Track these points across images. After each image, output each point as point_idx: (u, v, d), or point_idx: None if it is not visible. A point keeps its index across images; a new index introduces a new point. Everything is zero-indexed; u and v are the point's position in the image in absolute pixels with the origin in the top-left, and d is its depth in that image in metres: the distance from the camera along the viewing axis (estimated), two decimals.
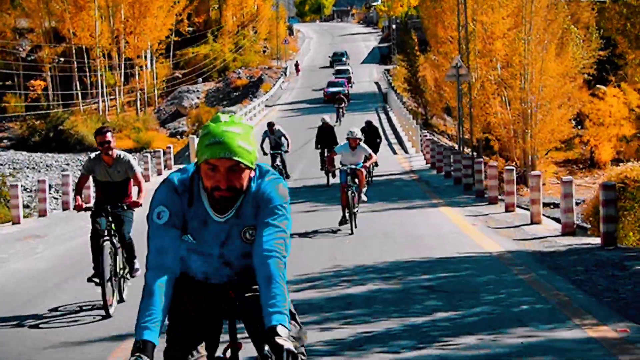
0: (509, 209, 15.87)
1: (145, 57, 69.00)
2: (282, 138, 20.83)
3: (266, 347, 3.12)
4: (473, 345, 6.47)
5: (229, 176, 3.30)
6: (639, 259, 9.95)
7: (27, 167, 46.77)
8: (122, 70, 67.56)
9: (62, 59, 75.55)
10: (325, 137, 21.79)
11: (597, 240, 11.38)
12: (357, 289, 8.77)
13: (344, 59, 76.02)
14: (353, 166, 13.75)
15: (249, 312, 3.56)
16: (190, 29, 79.18)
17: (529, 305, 7.79)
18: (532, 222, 13.79)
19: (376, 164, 21.63)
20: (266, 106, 54.01)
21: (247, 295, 3.61)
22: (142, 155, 35.37)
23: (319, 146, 22.25)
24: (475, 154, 26.02)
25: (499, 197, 17.36)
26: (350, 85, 58.49)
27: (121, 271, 8.44)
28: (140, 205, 8.31)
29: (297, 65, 75.94)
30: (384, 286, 8.91)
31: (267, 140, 21.07)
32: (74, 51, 70.88)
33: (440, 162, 25.25)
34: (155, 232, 3.41)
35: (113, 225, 8.36)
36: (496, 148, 42.28)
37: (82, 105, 70.14)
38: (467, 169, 21.09)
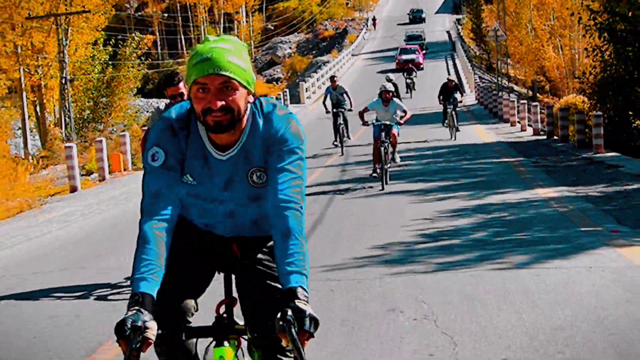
0: (513, 124, 25.19)
1: (242, 12, 78.21)
2: (344, 95, 19.69)
3: (281, 313, 2.56)
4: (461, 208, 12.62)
5: (221, 95, 2.75)
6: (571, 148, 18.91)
7: (147, 111, 56.63)
8: (222, 25, 76.56)
9: (166, 15, 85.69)
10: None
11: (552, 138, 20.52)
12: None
13: (422, 15, 79.15)
14: (387, 122, 13.58)
15: (254, 275, 3.10)
16: None
17: (502, 174, 15.50)
18: (521, 130, 23.13)
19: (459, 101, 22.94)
20: (352, 55, 62.55)
21: (255, 255, 3.14)
22: None
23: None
24: (505, 92, 35.01)
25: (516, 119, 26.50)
26: (424, 51, 57.12)
27: None
28: None
29: (374, 19, 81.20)
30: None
31: (329, 97, 20.22)
32: (178, 7, 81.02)
33: (481, 97, 34.51)
34: (149, 175, 2.90)
35: None
36: (547, 88, 50.33)
37: (187, 56, 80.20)
38: (496, 102, 30.32)
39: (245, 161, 2.95)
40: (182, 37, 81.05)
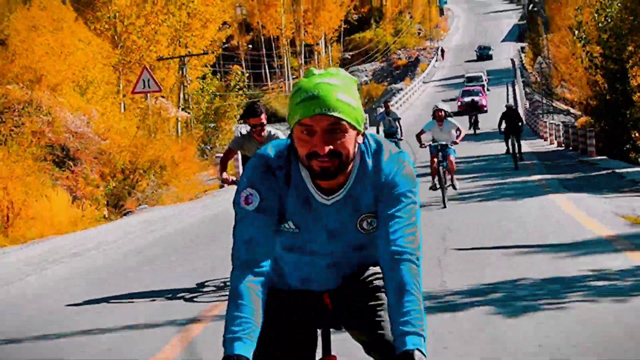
0: (545, 139, 31.90)
1: (321, 43, 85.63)
2: (397, 122, 19.23)
3: None
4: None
5: (329, 138, 2.46)
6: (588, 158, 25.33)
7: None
8: (303, 55, 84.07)
9: (251, 46, 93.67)
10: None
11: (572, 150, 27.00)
12: None
13: (489, 52, 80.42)
14: (444, 142, 13.70)
15: (358, 321, 2.79)
16: (357, 17, 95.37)
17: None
18: (550, 144, 29.69)
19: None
20: (423, 82, 69.22)
21: (351, 306, 2.81)
22: None
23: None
24: (551, 114, 41.39)
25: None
26: (486, 93, 52.64)
27: None
28: None
29: (442, 51, 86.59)
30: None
31: (382, 123, 19.70)
32: (262, 39, 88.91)
33: (528, 119, 41.46)
34: (243, 220, 2.59)
35: None
36: None
37: (270, 84, 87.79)
38: (536, 123, 36.86)
39: (353, 206, 2.64)
40: (266, 66, 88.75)
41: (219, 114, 46.63)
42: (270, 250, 2.57)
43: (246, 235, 2.55)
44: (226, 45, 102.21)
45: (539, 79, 67.04)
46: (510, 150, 21.34)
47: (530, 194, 14.89)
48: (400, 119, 19.72)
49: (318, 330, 2.87)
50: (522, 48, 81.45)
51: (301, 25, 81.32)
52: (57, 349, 6.39)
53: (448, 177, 14.02)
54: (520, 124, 21.80)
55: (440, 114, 13.68)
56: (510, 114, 22.07)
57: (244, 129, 8.42)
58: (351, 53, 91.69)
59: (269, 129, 8.13)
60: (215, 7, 45.63)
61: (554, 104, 52.38)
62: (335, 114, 2.45)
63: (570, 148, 26.70)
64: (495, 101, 51.46)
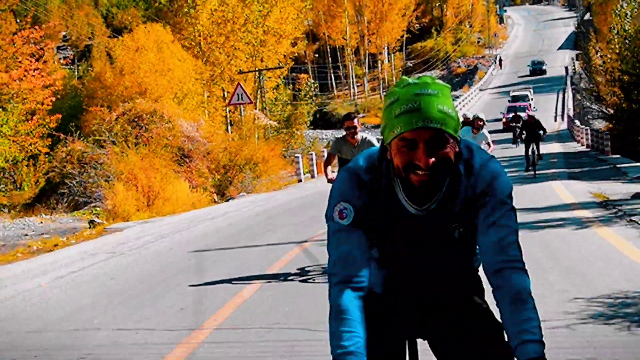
0: (578, 142, 36.10)
1: (384, 52, 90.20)
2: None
3: None
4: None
5: (431, 151, 2.42)
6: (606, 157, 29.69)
7: (319, 139, 69.09)
8: (367, 63, 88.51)
9: (317, 55, 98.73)
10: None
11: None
12: None
13: (542, 67, 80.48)
14: None
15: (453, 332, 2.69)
16: (418, 26, 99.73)
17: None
18: (580, 145, 34.12)
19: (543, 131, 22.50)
20: (480, 90, 73.35)
21: (443, 317, 2.74)
22: None
23: None
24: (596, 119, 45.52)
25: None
26: (532, 110, 47.90)
27: None
28: None
29: (500, 60, 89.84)
30: None
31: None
32: (328, 49, 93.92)
33: (569, 125, 45.59)
34: (337, 235, 2.60)
35: None
36: None
37: (336, 92, 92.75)
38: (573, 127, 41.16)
39: (445, 216, 2.59)
40: (332, 74, 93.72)
41: (291, 120, 51.87)
42: (367, 264, 2.55)
43: (343, 251, 2.55)
44: (295, 55, 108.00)
45: (588, 86, 70.72)
46: (530, 159, 22.10)
47: (538, 181, 19.59)
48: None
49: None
50: (577, 55, 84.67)
51: (365, 36, 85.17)
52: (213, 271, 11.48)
53: None
54: (540, 132, 22.27)
55: (479, 123, 14.28)
56: (529, 123, 22.65)
57: (340, 135, 9.73)
58: (413, 61, 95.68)
59: (362, 134, 9.27)
60: (289, 24, 50.89)
61: (603, 110, 56.26)
62: (437, 126, 2.38)
63: (592, 148, 31.10)
64: (544, 108, 55.52)
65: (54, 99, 29.49)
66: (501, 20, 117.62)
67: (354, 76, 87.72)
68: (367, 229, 2.60)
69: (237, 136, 28.74)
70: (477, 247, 2.66)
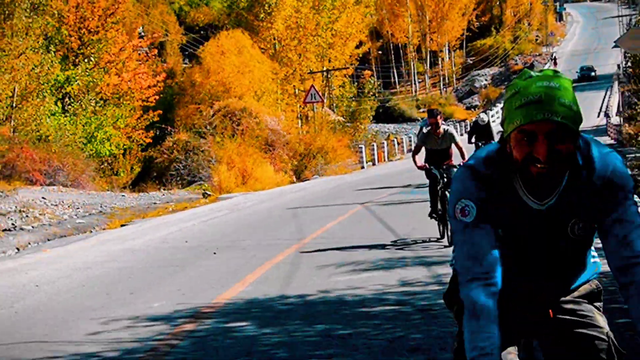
0: (609, 137, 40.44)
1: (445, 49, 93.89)
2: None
3: None
4: None
5: (550, 144, 2.38)
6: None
7: (381, 133, 73.83)
8: (428, 60, 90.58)
9: (380, 52, 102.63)
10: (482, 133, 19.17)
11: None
12: None
13: (592, 72, 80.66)
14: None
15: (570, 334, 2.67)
16: (478, 25, 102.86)
17: None
18: (610, 139, 38.52)
19: None
20: None
21: (567, 312, 2.71)
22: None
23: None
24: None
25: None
26: None
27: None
28: (455, 165, 11.02)
29: (554, 59, 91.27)
30: None
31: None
32: (391, 46, 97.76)
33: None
34: (463, 233, 2.58)
35: (445, 176, 10.90)
36: None
37: (398, 88, 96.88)
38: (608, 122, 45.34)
39: (566, 210, 2.56)
40: (395, 71, 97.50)
41: (355, 115, 57.02)
42: (495, 259, 2.52)
43: (469, 250, 2.53)
44: (359, 52, 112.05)
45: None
46: None
47: None
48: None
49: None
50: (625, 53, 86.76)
51: (427, 34, 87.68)
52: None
53: None
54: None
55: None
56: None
57: (426, 129, 11.07)
58: (472, 59, 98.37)
59: (444, 127, 10.79)
60: (354, 28, 55.99)
61: None
62: (558, 119, 2.35)
63: (615, 141, 35.22)
64: (592, 104, 59.21)
65: (157, 97, 35.31)
66: (560, 18, 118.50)
67: (415, 73, 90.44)
68: (493, 223, 2.56)
69: (311, 129, 34.21)
70: (602, 244, 2.55)
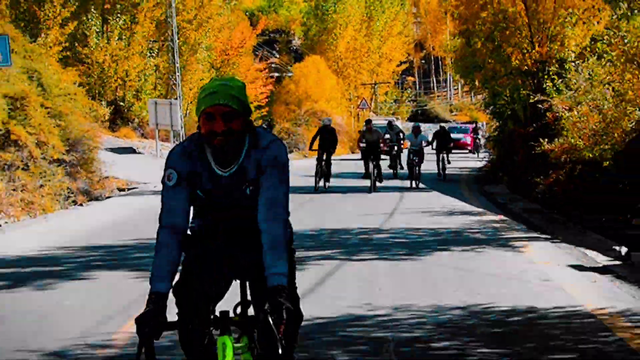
0: None
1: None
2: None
3: (266, 305, 3.20)
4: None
5: (225, 123, 3.41)
6: None
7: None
8: None
9: (423, 61, 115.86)
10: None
11: None
12: None
13: None
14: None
15: (252, 274, 3.68)
16: None
17: None
18: None
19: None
20: None
21: (249, 258, 3.67)
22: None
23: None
24: None
25: None
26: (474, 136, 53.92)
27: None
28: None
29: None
30: None
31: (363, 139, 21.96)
32: (432, 56, 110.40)
33: None
34: (165, 192, 3.57)
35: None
36: None
37: (436, 92, 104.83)
38: None
39: (243, 176, 3.58)
40: (434, 79, 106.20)
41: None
42: (184, 214, 3.65)
43: (167, 205, 3.61)
44: (404, 62, 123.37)
45: None
46: (437, 165, 24.79)
47: None
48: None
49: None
50: None
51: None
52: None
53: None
54: (451, 143, 25.50)
55: (418, 129, 22.78)
56: (441, 133, 25.13)
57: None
58: None
59: (376, 126, 19.49)
60: (398, 51, 73.67)
61: None
62: (229, 103, 3.46)
63: None
64: None
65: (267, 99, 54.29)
66: None
67: (451, 81, 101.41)
68: (191, 187, 3.58)
69: (361, 126, 53.35)
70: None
